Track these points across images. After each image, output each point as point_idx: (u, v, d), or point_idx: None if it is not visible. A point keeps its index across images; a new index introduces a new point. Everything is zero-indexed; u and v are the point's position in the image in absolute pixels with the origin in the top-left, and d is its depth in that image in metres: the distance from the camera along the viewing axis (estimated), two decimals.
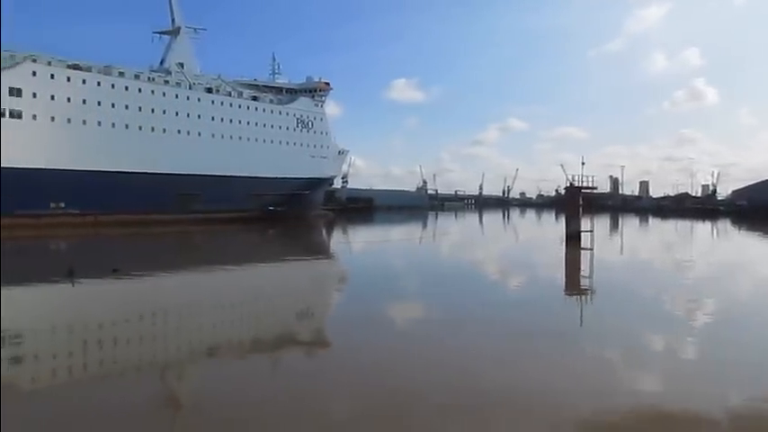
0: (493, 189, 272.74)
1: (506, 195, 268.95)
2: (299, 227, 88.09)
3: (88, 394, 13.51)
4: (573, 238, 51.71)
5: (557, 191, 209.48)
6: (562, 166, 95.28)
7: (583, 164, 56.35)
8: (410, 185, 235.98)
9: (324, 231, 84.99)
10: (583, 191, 54.93)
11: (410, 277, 34.89)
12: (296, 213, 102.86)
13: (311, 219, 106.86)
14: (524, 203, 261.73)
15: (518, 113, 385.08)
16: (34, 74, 75.08)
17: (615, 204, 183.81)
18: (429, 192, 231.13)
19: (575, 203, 54.72)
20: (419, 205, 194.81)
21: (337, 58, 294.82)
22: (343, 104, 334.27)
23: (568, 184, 56.58)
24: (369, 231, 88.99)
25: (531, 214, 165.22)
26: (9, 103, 71.96)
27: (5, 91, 71.55)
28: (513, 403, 12.67)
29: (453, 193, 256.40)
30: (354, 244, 65.87)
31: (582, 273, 35.35)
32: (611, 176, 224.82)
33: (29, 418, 11.98)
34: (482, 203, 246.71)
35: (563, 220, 58.48)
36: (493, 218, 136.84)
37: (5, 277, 30.86)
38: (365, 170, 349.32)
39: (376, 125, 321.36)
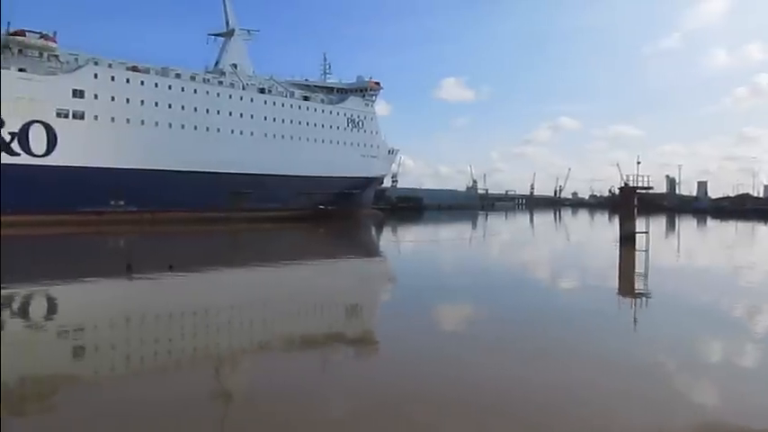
0: (544, 189, 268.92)
1: (558, 195, 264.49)
2: (348, 226, 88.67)
3: (144, 385, 13.95)
4: (627, 240, 50.52)
5: (610, 191, 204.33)
6: (618, 165, 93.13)
7: (638, 163, 55.10)
8: (460, 185, 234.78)
9: (373, 230, 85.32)
10: (638, 191, 53.65)
11: (459, 277, 34.71)
12: (346, 212, 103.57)
13: (361, 218, 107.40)
14: (576, 204, 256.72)
15: (570, 112, 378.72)
16: (96, 76, 77.71)
17: (672, 205, 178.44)
18: (479, 191, 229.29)
19: (629, 204, 53.47)
20: (469, 205, 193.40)
21: (388, 58, 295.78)
22: (393, 104, 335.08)
23: (623, 184, 55.31)
24: (418, 231, 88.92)
25: (583, 215, 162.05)
26: (72, 105, 74.70)
27: (69, 93, 74.31)
28: (561, 412, 12.46)
29: (503, 192, 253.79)
30: (403, 243, 65.91)
31: (636, 275, 34.49)
32: (667, 176, 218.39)
33: (89, 406, 12.43)
34: (533, 203, 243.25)
35: (617, 220, 57.23)
36: (544, 218, 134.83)
37: (71, 271, 32.13)
38: (415, 169, 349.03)
39: (425, 124, 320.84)
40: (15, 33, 72.10)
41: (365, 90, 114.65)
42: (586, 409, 12.29)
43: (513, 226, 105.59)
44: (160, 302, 24.65)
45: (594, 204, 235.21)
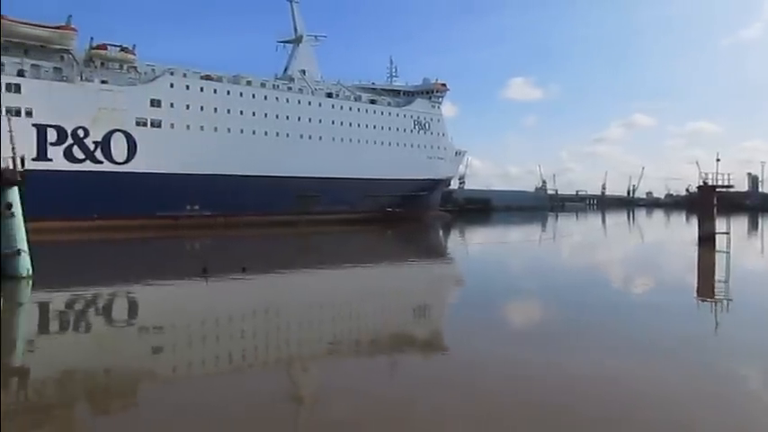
0: (616, 189, 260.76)
1: (631, 195, 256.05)
2: (416, 228, 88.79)
3: (219, 384, 14.44)
4: (706, 241, 48.54)
5: (688, 190, 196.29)
6: (697, 162, 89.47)
7: (717, 160, 52.79)
8: (529, 185, 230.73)
9: (441, 232, 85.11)
10: (717, 189, 51.47)
11: (528, 280, 34.23)
12: (413, 214, 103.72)
13: (428, 220, 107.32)
14: (651, 203, 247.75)
15: (644, 109, 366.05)
16: (171, 85, 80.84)
17: (754, 204, 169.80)
18: (548, 192, 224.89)
19: (708, 203, 51.38)
20: (538, 206, 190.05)
21: (454, 59, 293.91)
22: (459, 105, 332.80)
23: (701, 183, 53.16)
24: (486, 232, 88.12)
25: (658, 215, 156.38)
26: (150, 114, 77.97)
27: (148, 102, 77.62)
28: (633, 422, 12.14)
29: (574, 193, 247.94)
30: (471, 245, 65.49)
31: (717, 278, 33.10)
32: (749, 174, 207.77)
33: (167, 404, 12.99)
34: (605, 204, 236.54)
35: (695, 221, 55.02)
36: (616, 219, 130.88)
37: (151, 273, 33.55)
38: (482, 170, 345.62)
39: (493, 125, 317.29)
40: (98, 47, 75.85)
41: (431, 92, 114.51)
42: (661, 414, 11.93)
43: (585, 227, 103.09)
44: (234, 303, 25.43)
45: (670, 204, 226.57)
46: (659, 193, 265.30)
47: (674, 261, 43.54)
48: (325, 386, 14.45)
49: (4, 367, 16.51)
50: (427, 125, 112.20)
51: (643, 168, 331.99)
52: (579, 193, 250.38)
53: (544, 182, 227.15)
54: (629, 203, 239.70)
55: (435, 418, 11.88)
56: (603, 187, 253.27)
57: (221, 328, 20.82)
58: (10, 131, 31.14)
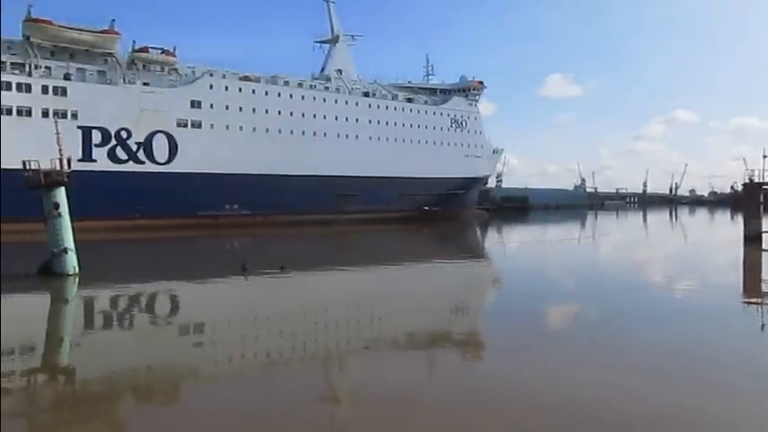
0: (657, 186, 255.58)
1: (673, 193, 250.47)
2: (453, 227, 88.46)
3: (258, 381, 14.67)
4: (752, 240, 47.21)
5: (732, 187, 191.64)
6: (744, 159, 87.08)
7: (764, 156, 51.22)
8: (567, 184, 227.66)
9: (478, 231, 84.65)
10: (764, 186, 50.00)
11: (566, 280, 33.83)
12: (450, 213, 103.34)
13: (465, 218, 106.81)
14: (694, 201, 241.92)
15: (686, 104, 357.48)
16: (211, 87, 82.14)
17: None
18: (587, 190, 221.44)
19: (754, 201, 49.98)
20: (577, 204, 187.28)
21: (491, 56, 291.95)
22: (496, 102, 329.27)
23: (747, 180, 51.74)
24: (524, 231, 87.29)
25: (702, 213, 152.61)
26: (191, 115, 79.36)
27: (188, 103, 79.04)
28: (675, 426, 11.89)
29: (614, 191, 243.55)
30: (509, 244, 65.00)
31: (765, 278, 32.19)
32: None
33: (208, 399, 13.24)
34: (646, 202, 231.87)
35: (740, 219, 53.56)
36: (658, 217, 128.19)
37: (192, 271, 34.17)
38: (520, 168, 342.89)
39: (531, 122, 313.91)
40: (140, 50, 77.49)
41: (468, 90, 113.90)
42: (707, 420, 11.69)
43: (625, 225, 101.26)
44: (273, 301, 25.77)
45: (714, 202, 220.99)
46: (703, 191, 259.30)
47: (718, 261, 42.46)
48: (361, 387, 14.52)
49: (51, 361, 17.08)
50: (464, 123, 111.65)
51: (686, 165, 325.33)
52: (619, 191, 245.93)
53: (583, 180, 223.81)
54: (671, 202, 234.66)
55: (471, 422, 11.86)
56: (644, 185, 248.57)
57: (260, 325, 21.11)
58: (57, 133, 32.07)
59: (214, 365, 16.38)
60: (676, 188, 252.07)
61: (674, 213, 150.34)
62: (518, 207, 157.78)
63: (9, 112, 65.94)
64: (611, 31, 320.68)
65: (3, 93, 65.68)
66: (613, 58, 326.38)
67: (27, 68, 68.62)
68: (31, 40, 69.25)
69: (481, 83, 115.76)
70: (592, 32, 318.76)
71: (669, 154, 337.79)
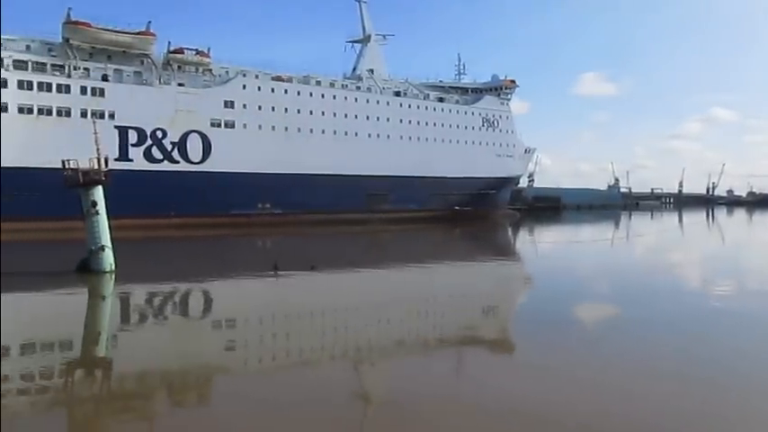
0: (694, 186, 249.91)
1: (710, 193, 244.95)
2: (484, 226, 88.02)
3: (288, 380, 14.81)
4: None
5: None
6: None
7: None
8: (600, 183, 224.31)
9: (509, 231, 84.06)
10: None
11: (599, 281, 33.41)
12: (482, 213, 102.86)
13: (497, 218, 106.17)
14: (732, 202, 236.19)
15: (724, 102, 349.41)
16: (244, 87, 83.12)
17: None
18: (621, 190, 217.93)
19: None
20: (610, 204, 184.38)
21: (523, 55, 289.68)
22: (528, 101, 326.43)
23: None
24: (556, 231, 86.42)
25: (740, 214, 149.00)
26: (224, 115, 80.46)
27: (221, 104, 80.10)
28: None
29: (648, 191, 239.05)
30: (540, 244, 64.42)
31: None
32: None
33: (239, 397, 13.45)
34: (681, 202, 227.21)
35: None
36: (694, 218, 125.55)
37: (225, 270, 34.63)
38: (552, 168, 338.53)
39: (563, 121, 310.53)
40: (175, 51, 78.73)
41: (500, 89, 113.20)
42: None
43: (660, 226, 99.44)
44: (304, 300, 25.97)
45: (753, 203, 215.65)
46: (741, 191, 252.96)
47: (757, 263, 41.50)
48: (391, 386, 14.59)
49: (89, 356, 17.54)
50: (496, 122, 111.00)
51: (723, 165, 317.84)
52: (654, 191, 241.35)
53: (617, 179, 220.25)
54: (707, 202, 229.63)
55: (502, 423, 11.85)
56: (680, 185, 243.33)
57: (291, 323, 21.34)
58: (95, 133, 32.83)
59: (244, 364, 16.65)
60: (713, 188, 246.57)
61: (710, 214, 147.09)
62: (550, 207, 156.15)
63: (49, 112, 67.70)
64: (647, 28, 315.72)
65: (43, 93, 67.47)
66: (649, 56, 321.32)
67: (66, 70, 70.27)
68: (71, 42, 70.92)
69: (513, 81, 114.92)
70: (627, 29, 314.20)
71: (706, 153, 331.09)
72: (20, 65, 67.34)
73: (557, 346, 17.58)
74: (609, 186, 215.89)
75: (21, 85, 66.50)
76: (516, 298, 28.88)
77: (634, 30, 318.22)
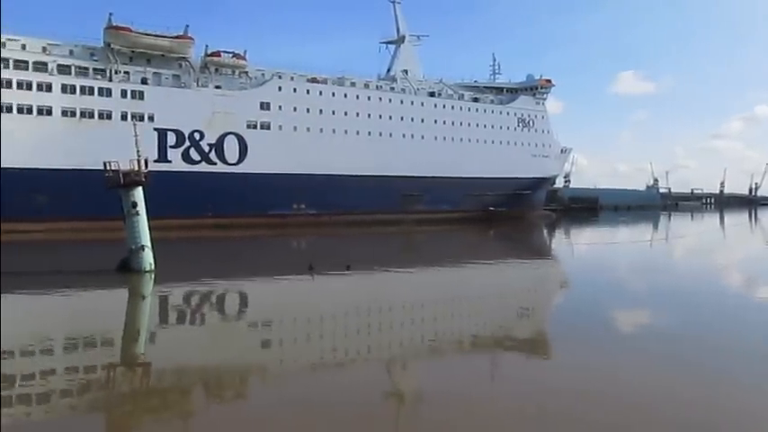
0: (736, 187, 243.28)
1: (753, 193, 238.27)
2: (519, 227, 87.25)
3: (323, 379, 14.95)
4: None
5: None
6: None
7: None
8: (639, 184, 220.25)
9: (545, 232, 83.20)
10: None
11: (637, 283, 32.84)
12: (516, 213, 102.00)
13: (532, 219, 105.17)
14: None
15: (767, 100, 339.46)
16: (279, 89, 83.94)
17: None
18: (661, 190, 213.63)
19: None
20: (649, 205, 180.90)
21: (559, 54, 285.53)
22: (564, 101, 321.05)
23: None
24: (593, 232, 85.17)
25: None
26: (260, 116, 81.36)
27: (257, 105, 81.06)
28: None
29: (688, 191, 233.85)
30: (577, 246, 63.60)
31: None
32: None
33: (274, 395, 13.62)
34: (723, 203, 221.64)
35: None
36: (736, 219, 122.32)
37: (261, 269, 35.02)
38: (589, 168, 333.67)
39: (601, 121, 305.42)
40: (212, 54, 79.95)
41: (536, 88, 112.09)
42: None
43: (701, 227, 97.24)
44: (338, 300, 26.15)
45: None
46: None
47: None
48: (425, 386, 14.59)
49: (129, 353, 17.96)
50: (531, 122, 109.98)
51: (767, 165, 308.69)
52: (694, 191, 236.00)
53: (656, 180, 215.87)
54: (750, 203, 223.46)
55: (527, 420, 11.76)
56: (722, 185, 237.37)
57: (325, 323, 21.49)
58: (135, 135, 33.61)
59: (280, 362, 16.85)
60: (756, 188, 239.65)
61: (753, 215, 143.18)
62: (587, 208, 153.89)
63: (91, 115, 69.40)
64: (687, 25, 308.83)
65: (85, 97, 69.21)
66: (689, 54, 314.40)
67: (108, 74, 71.96)
68: (112, 46, 72.59)
69: (549, 81, 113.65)
70: (666, 27, 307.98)
71: (748, 152, 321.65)
72: (63, 69, 69.13)
73: (595, 347, 17.35)
74: (647, 187, 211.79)
75: (64, 89, 68.27)
76: (552, 299, 28.58)
77: (673, 27, 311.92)
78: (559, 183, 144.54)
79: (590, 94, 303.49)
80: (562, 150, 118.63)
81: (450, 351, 17.85)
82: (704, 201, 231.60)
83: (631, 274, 37.00)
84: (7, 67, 65.86)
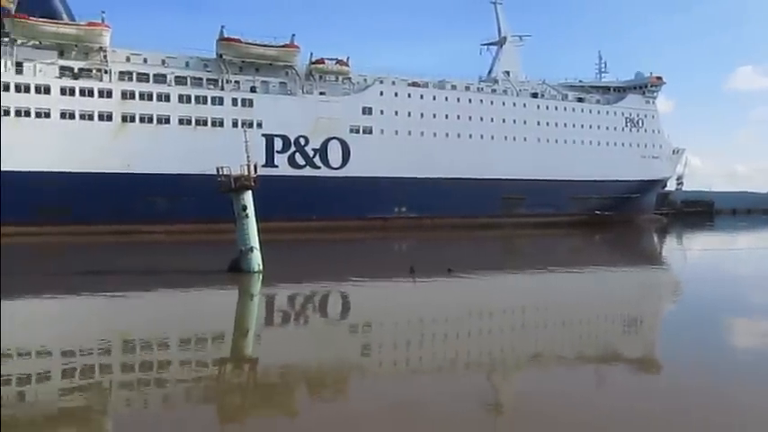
0: None
1: None
2: (627, 232, 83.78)
3: (420, 383, 15.05)
4: None
5: None
6: None
7: None
8: (760, 186, 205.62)
9: (655, 237, 79.39)
10: None
11: (760, 295, 30.64)
12: (624, 217, 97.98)
13: (641, 223, 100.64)
14: None
15: None
16: (381, 93, 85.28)
17: None
18: None
19: None
20: None
21: (668, 51, 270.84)
22: (676, 99, 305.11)
23: None
24: (708, 238, 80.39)
25: None
26: (362, 121, 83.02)
27: (360, 110, 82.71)
28: None
29: None
30: (690, 252, 60.27)
31: None
32: None
33: (373, 397, 13.88)
34: None
35: None
36: None
37: (363, 272, 35.70)
38: (703, 170, 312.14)
39: (716, 119, 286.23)
40: (317, 62, 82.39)
41: (645, 87, 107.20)
42: None
43: None
44: (440, 304, 26.23)
45: None
46: None
47: None
48: (524, 395, 14.38)
49: (238, 350, 18.93)
50: (640, 122, 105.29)
51: None
52: None
53: None
54: None
55: None
56: None
57: (426, 327, 21.60)
58: (245, 142, 35.30)
59: (379, 364, 17.17)
60: None
61: None
62: (701, 212, 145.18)
63: (205, 123, 73.52)
64: None
65: (200, 106, 73.38)
66: None
67: (220, 83, 75.94)
68: (224, 57, 76.51)
69: (660, 78, 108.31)
70: None
71: None
72: (180, 80, 73.81)
73: (709, 363, 16.39)
74: None
75: (180, 98, 72.83)
76: (663, 308, 27.26)
77: None
78: (671, 185, 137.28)
79: (704, 92, 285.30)
80: (674, 151, 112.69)
81: (551, 360, 17.43)
82: None
83: (753, 283, 34.50)
84: (131, 79, 71.10)
